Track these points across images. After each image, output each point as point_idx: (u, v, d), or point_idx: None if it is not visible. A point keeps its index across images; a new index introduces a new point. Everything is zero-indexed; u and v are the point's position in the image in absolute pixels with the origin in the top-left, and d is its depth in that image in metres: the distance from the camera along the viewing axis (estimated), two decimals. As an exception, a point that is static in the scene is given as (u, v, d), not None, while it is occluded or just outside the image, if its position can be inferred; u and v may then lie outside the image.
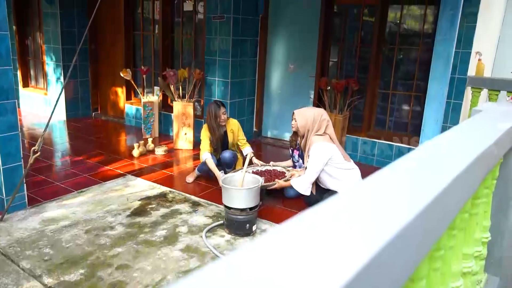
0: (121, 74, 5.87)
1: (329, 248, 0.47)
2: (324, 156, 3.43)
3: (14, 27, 7.24)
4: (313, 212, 0.58)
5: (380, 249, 0.48)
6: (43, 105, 7.08)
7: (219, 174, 3.88)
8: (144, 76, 6.14)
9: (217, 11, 5.18)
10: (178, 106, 5.39)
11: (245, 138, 4.28)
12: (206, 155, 3.99)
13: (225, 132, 4.17)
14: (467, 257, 1.35)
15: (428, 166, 0.86)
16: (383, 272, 0.49)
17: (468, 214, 1.24)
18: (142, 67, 6.08)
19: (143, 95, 6.22)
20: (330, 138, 3.54)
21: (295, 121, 3.60)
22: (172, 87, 5.54)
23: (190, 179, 4.24)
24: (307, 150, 3.55)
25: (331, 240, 0.49)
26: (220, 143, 4.15)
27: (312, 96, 5.40)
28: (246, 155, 3.85)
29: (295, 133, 3.95)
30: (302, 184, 3.48)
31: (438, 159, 0.93)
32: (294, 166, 4.16)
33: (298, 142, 4.03)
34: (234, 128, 4.19)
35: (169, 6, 6.06)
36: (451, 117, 4.34)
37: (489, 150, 1.12)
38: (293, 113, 3.63)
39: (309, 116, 3.51)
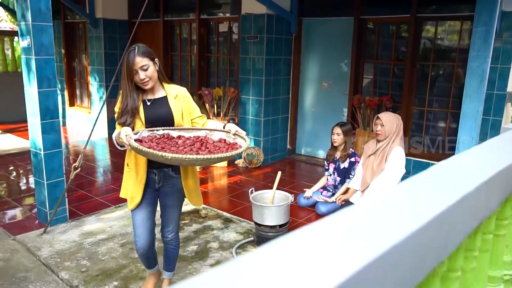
0: (159, 93, 6.09)
1: (314, 261, 0.50)
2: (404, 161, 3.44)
3: (63, 50, 7.72)
4: (313, 225, 0.61)
5: (367, 264, 0.50)
6: (87, 123, 7.45)
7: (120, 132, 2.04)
8: (181, 95, 6.33)
9: (251, 31, 5.31)
10: (212, 124, 5.51)
11: (200, 112, 2.51)
12: (114, 134, 2.17)
13: (165, 99, 2.34)
14: (494, 280, 1.30)
15: (439, 183, 0.86)
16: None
17: (493, 235, 1.21)
18: (179, 87, 6.29)
19: (180, 113, 6.40)
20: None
21: (382, 126, 3.39)
22: (207, 106, 5.69)
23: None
24: (386, 154, 3.44)
25: (319, 253, 0.52)
26: (155, 118, 2.26)
27: (345, 114, 5.37)
28: (277, 174, 3.36)
29: (334, 148, 3.97)
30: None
31: (452, 176, 0.92)
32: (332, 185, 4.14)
33: (335, 156, 4.01)
34: (181, 95, 2.43)
35: (206, 28, 6.27)
36: (490, 135, 4.19)
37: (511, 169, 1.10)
38: (377, 117, 3.43)
39: (395, 120, 3.43)
